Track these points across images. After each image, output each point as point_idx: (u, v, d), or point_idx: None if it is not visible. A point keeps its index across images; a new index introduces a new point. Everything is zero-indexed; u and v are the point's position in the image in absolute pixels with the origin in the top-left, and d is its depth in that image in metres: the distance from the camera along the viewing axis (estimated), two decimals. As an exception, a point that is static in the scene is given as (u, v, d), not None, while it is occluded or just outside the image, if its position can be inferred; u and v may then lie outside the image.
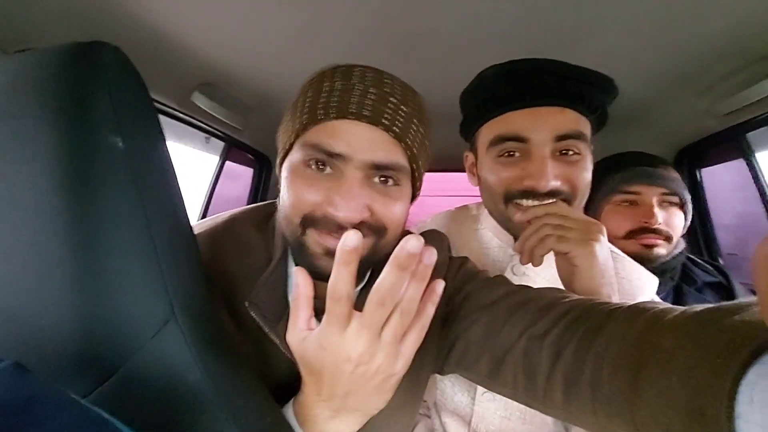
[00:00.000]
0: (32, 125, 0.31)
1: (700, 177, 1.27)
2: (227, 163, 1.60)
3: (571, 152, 0.66)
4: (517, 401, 0.49)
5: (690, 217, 0.99)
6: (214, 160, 1.57)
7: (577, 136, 0.65)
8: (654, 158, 1.03)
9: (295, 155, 0.49)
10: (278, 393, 0.47)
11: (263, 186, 1.71)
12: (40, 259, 0.31)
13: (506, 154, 0.68)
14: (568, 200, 0.65)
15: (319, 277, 0.45)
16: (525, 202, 0.65)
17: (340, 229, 0.45)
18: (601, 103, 0.68)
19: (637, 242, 0.96)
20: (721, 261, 1.23)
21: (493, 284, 0.56)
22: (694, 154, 1.22)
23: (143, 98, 0.35)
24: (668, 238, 0.95)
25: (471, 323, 0.53)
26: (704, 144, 1.17)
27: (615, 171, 1.01)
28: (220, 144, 1.50)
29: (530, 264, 0.73)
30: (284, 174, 0.50)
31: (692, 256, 1.10)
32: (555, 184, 0.63)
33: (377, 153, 0.46)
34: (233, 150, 1.56)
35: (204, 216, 1.53)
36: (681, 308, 0.35)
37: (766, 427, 0.22)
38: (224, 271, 0.50)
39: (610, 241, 0.95)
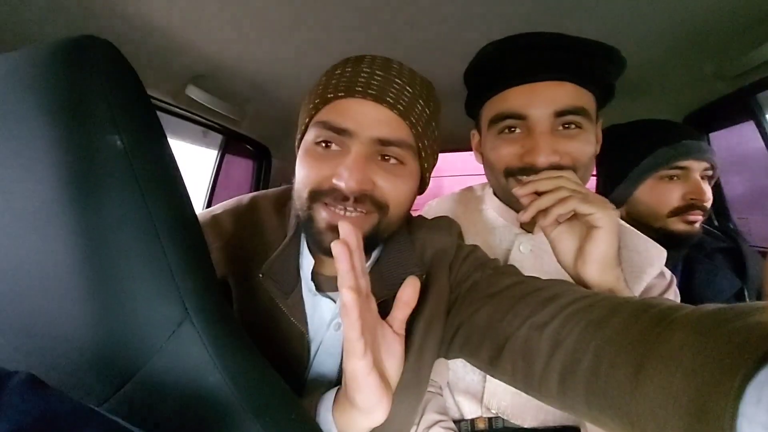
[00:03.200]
0: (27, 129, 0.30)
1: (709, 142, 1.24)
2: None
3: (572, 126, 0.64)
4: (515, 388, 0.49)
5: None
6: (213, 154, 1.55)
7: (577, 111, 0.63)
8: (694, 130, 1.00)
9: (308, 136, 0.52)
10: (289, 362, 0.52)
11: (264, 177, 1.70)
12: (49, 268, 0.30)
13: (507, 130, 0.68)
14: None
15: (324, 252, 0.50)
16: (525, 179, 0.64)
17: (344, 200, 0.48)
18: (603, 74, 0.66)
19: (682, 219, 0.93)
20: (731, 225, 1.22)
21: (501, 273, 0.56)
22: (703, 119, 1.20)
23: (139, 94, 0.34)
24: (706, 212, 0.94)
25: (475, 310, 0.53)
26: (712, 108, 1.14)
27: (660, 142, 0.96)
28: (218, 137, 1.48)
29: (536, 240, 0.72)
30: (299, 155, 0.53)
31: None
32: (554, 159, 0.62)
33: (382, 129, 0.48)
34: (232, 142, 1.54)
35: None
36: (691, 306, 0.34)
37: None
38: (242, 246, 0.56)
39: (646, 219, 0.96)
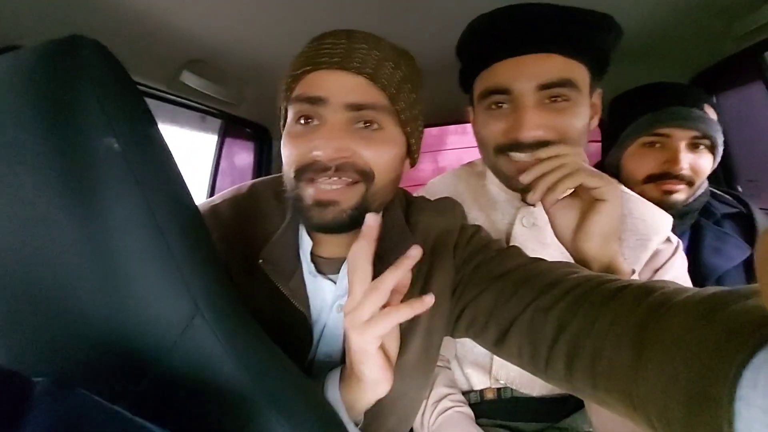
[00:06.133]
0: (24, 135, 0.29)
1: (717, 103, 1.21)
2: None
3: (559, 99, 0.62)
4: (522, 368, 0.50)
5: (719, 158, 0.93)
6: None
7: (564, 83, 0.61)
8: (689, 93, 0.94)
9: (288, 116, 0.53)
10: (293, 346, 0.51)
11: (265, 158, 1.68)
12: (59, 272, 0.31)
13: (494, 106, 0.66)
14: None
15: (315, 227, 0.52)
16: (515, 155, 0.64)
17: (325, 170, 0.47)
18: (595, 44, 0.63)
19: (657, 187, 0.91)
20: (740, 189, 1.20)
21: (505, 255, 0.56)
22: (710, 80, 1.16)
23: (131, 93, 0.34)
24: (690, 183, 0.90)
25: (480, 292, 0.54)
26: (720, 68, 1.11)
27: (646, 108, 0.93)
28: (217, 122, 1.46)
29: (538, 213, 0.72)
30: (282, 138, 0.53)
31: (710, 188, 1.04)
32: (538, 134, 0.61)
33: (353, 95, 0.48)
34: (231, 126, 1.52)
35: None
36: (693, 289, 0.35)
37: (767, 411, 0.22)
38: (243, 233, 0.56)
39: (626, 184, 0.92)
